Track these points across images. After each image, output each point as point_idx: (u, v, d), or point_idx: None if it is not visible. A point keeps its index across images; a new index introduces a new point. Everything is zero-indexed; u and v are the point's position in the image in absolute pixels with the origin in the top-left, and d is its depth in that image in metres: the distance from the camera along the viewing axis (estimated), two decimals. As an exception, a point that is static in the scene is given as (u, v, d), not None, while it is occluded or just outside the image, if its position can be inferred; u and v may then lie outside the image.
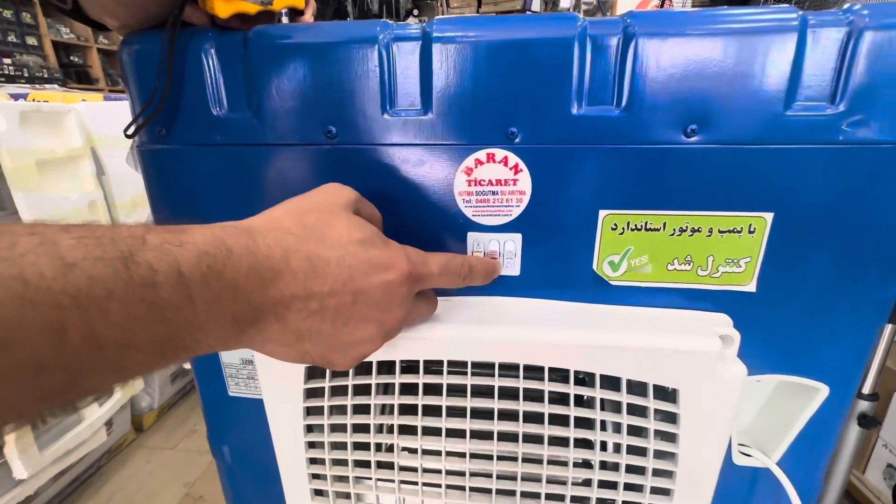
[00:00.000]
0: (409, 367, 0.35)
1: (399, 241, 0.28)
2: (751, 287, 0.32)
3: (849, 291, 0.31)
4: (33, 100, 1.17)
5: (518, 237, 0.33)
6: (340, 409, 0.36)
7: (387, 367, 0.35)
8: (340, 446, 0.37)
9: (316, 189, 0.28)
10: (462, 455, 0.36)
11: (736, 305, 0.33)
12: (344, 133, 0.32)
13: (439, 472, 0.36)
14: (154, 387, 1.44)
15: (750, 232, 0.31)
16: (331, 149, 0.32)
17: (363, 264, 0.24)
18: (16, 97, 1.15)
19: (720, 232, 0.31)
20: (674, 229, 0.31)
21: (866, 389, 0.81)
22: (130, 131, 0.31)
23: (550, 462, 0.34)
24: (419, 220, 0.33)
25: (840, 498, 0.88)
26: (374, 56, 0.30)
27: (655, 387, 0.32)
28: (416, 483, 0.37)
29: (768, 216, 0.30)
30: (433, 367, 0.34)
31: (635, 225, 0.32)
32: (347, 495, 0.38)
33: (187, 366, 1.52)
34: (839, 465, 0.85)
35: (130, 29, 0.33)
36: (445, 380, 0.34)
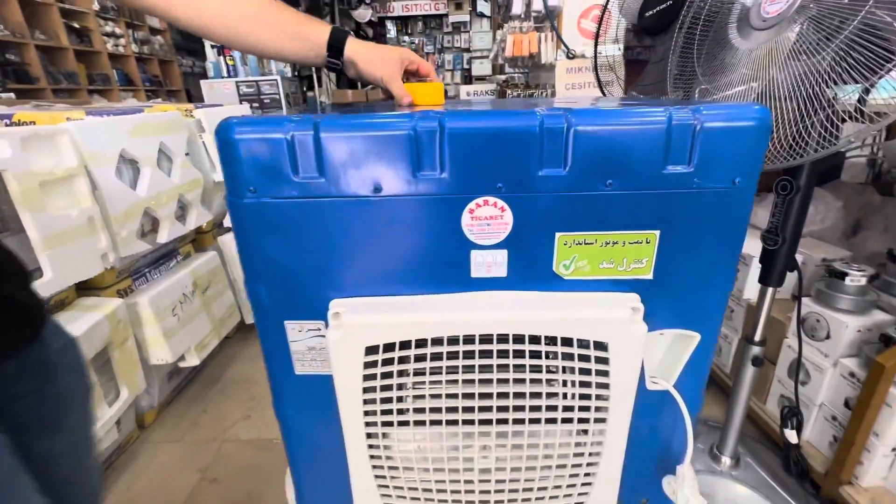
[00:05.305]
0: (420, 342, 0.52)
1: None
2: (649, 276, 0.51)
3: (704, 277, 0.51)
4: (19, 120, 1.21)
5: (504, 252, 0.50)
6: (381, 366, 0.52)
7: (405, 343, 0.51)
8: (388, 391, 0.54)
9: None
10: (455, 396, 0.53)
11: (641, 288, 0.52)
12: (386, 189, 0.47)
13: (440, 409, 0.54)
14: (154, 386, 1.53)
15: (647, 242, 0.49)
16: (377, 200, 0.48)
17: None
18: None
19: (630, 243, 0.49)
20: (603, 242, 0.49)
21: (756, 337, 1.06)
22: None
23: (517, 396, 0.53)
24: (439, 243, 0.50)
25: (742, 422, 1.14)
26: (406, 137, 0.46)
27: (595, 342, 0.50)
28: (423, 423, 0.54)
29: (657, 232, 0.49)
30: (445, 340, 0.51)
31: (578, 241, 0.49)
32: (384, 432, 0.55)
33: (182, 364, 1.60)
34: (740, 397, 1.11)
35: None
36: (445, 349, 0.50)
